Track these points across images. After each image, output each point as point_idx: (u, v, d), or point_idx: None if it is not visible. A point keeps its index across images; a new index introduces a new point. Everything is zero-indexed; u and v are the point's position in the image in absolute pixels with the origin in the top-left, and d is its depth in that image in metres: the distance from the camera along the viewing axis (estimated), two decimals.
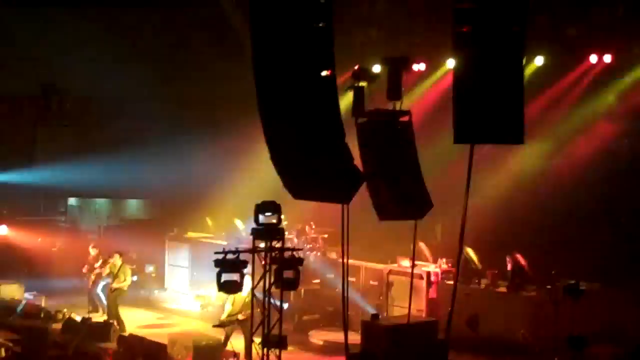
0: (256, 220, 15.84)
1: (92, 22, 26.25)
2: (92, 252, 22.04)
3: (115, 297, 20.51)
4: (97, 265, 21.82)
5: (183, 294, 23.00)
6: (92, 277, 21.87)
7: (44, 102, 27.01)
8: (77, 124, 27.16)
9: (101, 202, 29.53)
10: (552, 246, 21.82)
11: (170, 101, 26.86)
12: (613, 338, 18.43)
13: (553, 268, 19.41)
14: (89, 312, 21.31)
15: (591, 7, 23.15)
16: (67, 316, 20.68)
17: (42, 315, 21.31)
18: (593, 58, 22.95)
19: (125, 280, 20.79)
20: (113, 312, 20.38)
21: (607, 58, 22.68)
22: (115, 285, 20.60)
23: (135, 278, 21.40)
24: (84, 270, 22.04)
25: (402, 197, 16.78)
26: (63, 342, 19.34)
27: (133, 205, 29.71)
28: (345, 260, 17.12)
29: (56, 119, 27.41)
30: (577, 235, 22.56)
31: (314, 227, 22.19)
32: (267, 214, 16.23)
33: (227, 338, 18.02)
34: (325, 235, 22.06)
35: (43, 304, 22.02)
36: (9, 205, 25.76)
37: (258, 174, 20.10)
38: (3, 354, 17.76)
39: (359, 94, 16.87)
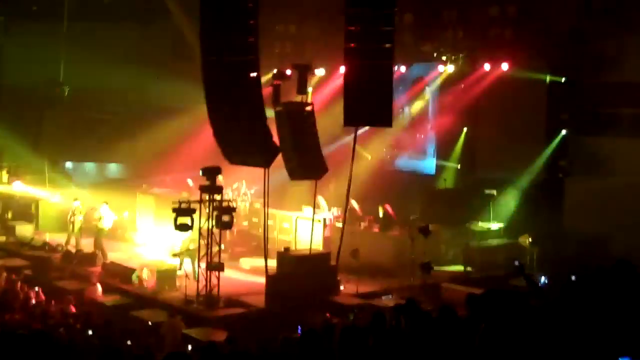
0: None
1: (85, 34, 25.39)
2: (75, 204, 21.18)
3: (99, 235, 19.99)
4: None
5: (148, 232, 22.58)
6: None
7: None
8: (73, 108, 26.29)
9: (90, 166, 28.82)
10: (410, 199, 21.98)
11: (141, 93, 26.24)
12: (449, 263, 18.70)
13: (410, 214, 19.60)
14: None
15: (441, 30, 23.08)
16: (65, 248, 20.17)
17: (46, 247, 20.77)
18: (440, 67, 22.96)
19: (104, 224, 20.21)
20: (97, 245, 19.85)
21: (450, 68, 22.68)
22: (99, 225, 20.06)
23: (115, 217, 20.84)
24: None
25: (306, 163, 16.80)
26: (62, 267, 18.97)
27: (114, 168, 29.06)
28: (266, 209, 17.08)
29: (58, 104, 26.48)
30: (425, 192, 22.80)
31: (244, 184, 21.98)
32: (210, 175, 16.10)
33: (181, 264, 17.80)
34: (252, 191, 21.87)
35: (47, 239, 21.40)
36: (23, 166, 24.94)
37: (204, 145, 19.73)
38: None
39: (276, 89, 16.77)
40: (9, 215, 23.81)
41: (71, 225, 20.79)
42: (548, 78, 20.57)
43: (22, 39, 25.51)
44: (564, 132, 20.60)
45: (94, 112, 26.78)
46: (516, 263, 15.56)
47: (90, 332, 12.52)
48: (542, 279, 16.21)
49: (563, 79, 20.47)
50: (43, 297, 15.31)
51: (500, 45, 21.36)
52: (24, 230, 22.33)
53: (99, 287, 16.71)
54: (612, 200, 18.79)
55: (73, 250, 19.77)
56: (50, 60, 25.23)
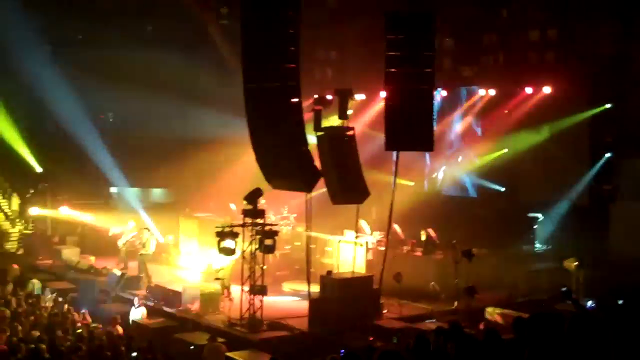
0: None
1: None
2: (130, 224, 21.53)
3: (143, 259, 20.23)
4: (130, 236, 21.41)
5: (192, 256, 22.81)
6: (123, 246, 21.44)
7: None
8: (118, 134, 26.84)
9: (134, 191, 29.29)
10: (453, 223, 21.89)
11: (184, 119, 26.68)
12: (494, 287, 18.53)
13: (454, 238, 19.49)
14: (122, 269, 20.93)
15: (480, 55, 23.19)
16: (110, 271, 20.46)
17: (91, 270, 21.10)
18: (482, 92, 23.01)
19: (149, 248, 20.47)
20: (142, 269, 20.10)
21: (492, 92, 22.71)
22: (143, 251, 20.31)
23: (161, 239, 21.12)
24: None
25: (348, 187, 16.84)
26: (107, 290, 19.22)
27: (157, 193, 29.47)
28: (308, 233, 17.17)
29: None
30: (469, 216, 22.71)
31: (287, 208, 22.12)
32: (252, 199, 16.24)
33: (225, 287, 17.94)
34: (295, 215, 21.99)
35: (93, 263, 21.75)
36: (70, 192, 25.44)
37: (247, 170, 19.93)
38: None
39: (318, 115, 16.90)
40: (56, 239, 24.28)
41: (124, 247, 21.14)
42: (591, 112, 20.46)
43: (68, 67, 26.13)
44: (608, 154, 20.40)
45: (138, 139, 27.25)
46: (563, 289, 15.44)
47: (134, 354, 12.67)
48: (589, 303, 15.98)
49: (608, 105, 20.30)
50: (89, 319, 15.54)
51: (542, 69, 21.35)
52: (70, 253, 22.72)
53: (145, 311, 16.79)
54: None
55: (118, 273, 20.04)
56: (95, 88, 25.81)
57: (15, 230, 24.86)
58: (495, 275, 18.82)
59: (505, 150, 22.55)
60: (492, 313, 16.39)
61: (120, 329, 14.85)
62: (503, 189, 22.61)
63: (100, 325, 14.99)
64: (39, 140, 26.76)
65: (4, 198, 25.36)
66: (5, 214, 25.06)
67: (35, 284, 18.71)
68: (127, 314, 16.70)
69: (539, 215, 20.42)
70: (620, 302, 10.73)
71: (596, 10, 20.17)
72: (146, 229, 20.63)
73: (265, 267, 16.30)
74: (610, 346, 6.89)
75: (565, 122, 20.88)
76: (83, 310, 15.96)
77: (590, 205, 20.74)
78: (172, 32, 26.39)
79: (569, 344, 6.77)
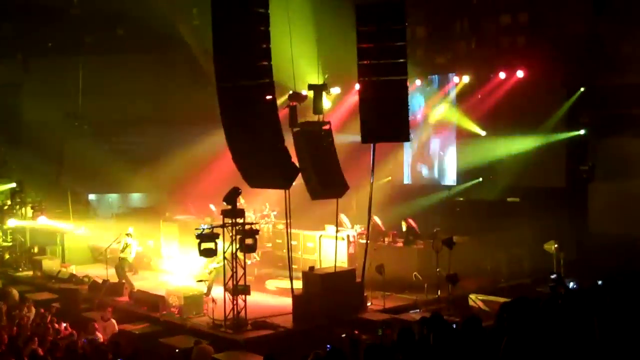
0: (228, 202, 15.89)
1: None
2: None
3: (122, 264, 20.10)
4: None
5: (174, 259, 22.78)
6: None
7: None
8: (93, 140, 26.69)
9: (113, 196, 29.15)
10: (433, 212, 22.02)
11: (160, 122, 26.60)
12: (476, 274, 18.64)
13: (434, 227, 19.58)
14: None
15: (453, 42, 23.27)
16: (91, 279, 20.36)
17: (73, 279, 20.99)
18: (456, 79, 23.16)
19: (130, 253, 20.34)
20: (121, 274, 19.95)
21: (466, 78, 22.86)
22: (122, 255, 20.19)
23: (140, 248, 21.06)
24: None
25: (327, 182, 16.85)
26: (89, 298, 19.14)
27: (136, 198, 29.36)
28: (289, 230, 17.17)
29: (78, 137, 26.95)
30: (448, 204, 22.84)
31: (267, 206, 22.10)
32: (232, 199, 16.20)
33: (209, 289, 17.92)
34: (275, 212, 21.98)
35: (74, 272, 21.64)
36: (46, 201, 25.24)
37: (224, 170, 19.88)
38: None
39: (293, 111, 16.88)
40: (35, 249, 24.13)
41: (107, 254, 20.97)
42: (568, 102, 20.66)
43: (41, 75, 25.94)
44: (582, 131, 20.60)
45: (114, 144, 27.11)
46: (553, 276, 15.63)
47: None
48: (571, 284, 16.13)
49: (582, 89, 20.45)
50: (70, 330, 15.44)
51: (514, 53, 21.46)
52: (51, 264, 22.57)
53: (114, 323, 16.57)
54: (636, 202, 18.70)
55: (100, 281, 19.94)
56: (69, 95, 25.64)
57: None
58: (477, 262, 18.93)
59: (484, 133, 22.73)
60: (475, 300, 16.49)
61: (100, 336, 14.80)
62: (480, 179, 22.75)
63: (81, 334, 14.91)
64: (14, 150, 26.54)
65: None
66: None
67: (14, 294, 18.65)
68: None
69: (517, 200, 20.55)
70: (600, 282, 10.83)
71: None
72: (128, 234, 20.51)
73: (250, 262, 16.16)
74: (593, 326, 6.97)
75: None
76: (63, 324, 15.83)
77: (568, 186, 20.88)
78: (143, 36, 26.21)
79: (549, 327, 6.84)
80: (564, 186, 20.96)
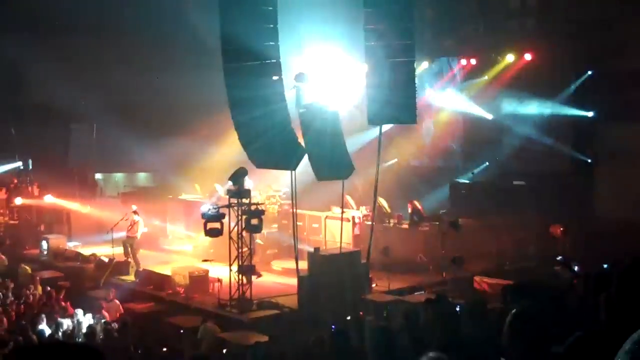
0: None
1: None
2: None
3: (130, 242, 20.18)
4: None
5: (180, 239, 22.84)
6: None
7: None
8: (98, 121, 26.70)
9: (119, 176, 29.17)
10: (439, 193, 22.02)
11: (164, 102, 26.58)
12: (481, 257, 18.64)
13: (440, 209, 19.57)
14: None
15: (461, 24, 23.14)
16: (97, 258, 20.42)
17: (79, 258, 21.07)
18: (463, 61, 23.07)
19: (137, 231, 20.42)
20: (127, 252, 20.03)
21: (473, 61, 22.76)
22: (129, 234, 20.27)
23: (146, 229, 21.17)
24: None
25: (333, 163, 16.81)
26: (95, 277, 19.22)
27: (142, 177, 29.39)
28: (294, 210, 17.18)
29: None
30: (454, 186, 22.80)
31: (272, 187, 22.09)
32: (237, 179, 16.21)
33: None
34: (281, 193, 21.97)
35: (80, 250, 21.72)
36: (54, 180, 25.26)
37: (231, 151, 19.85)
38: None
39: (299, 92, 16.83)
40: (42, 228, 24.22)
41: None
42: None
43: (43, 56, 25.83)
44: (590, 113, 20.50)
45: (120, 123, 27.07)
46: (559, 258, 15.64)
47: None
48: (576, 267, 16.12)
49: (589, 72, 20.32)
50: (71, 310, 15.49)
51: (522, 36, 21.34)
52: (57, 242, 22.66)
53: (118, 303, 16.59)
54: None
55: (105, 260, 20.01)
56: (73, 76, 25.57)
57: (1, 221, 24.77)
58: (483, 244, 18.94)
59: (491, 117, 22.67)
60: (480, 282, 16.52)
61: (107, 314, 14.87)
62: (487, 163, 22.73)
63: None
64: (20, 128, 26.55)
65: None
66: None
67: (25, 270, 18.77)
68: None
69: (522, 183, 20.51)
70: (606, 266, 10.81)
71: None
72: (134, 212, 20.55)
73: (259, 241, 16.00)
74: (599, 312, 6.97)
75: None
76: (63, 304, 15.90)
77: (574, 170, 20.83)
78: (145, 15, 26.04)
79: (554, 311, 6.84)
80: (570, 170, 20.88)
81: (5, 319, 13.48)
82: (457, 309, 8.28)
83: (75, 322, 14.29)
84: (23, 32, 25.85)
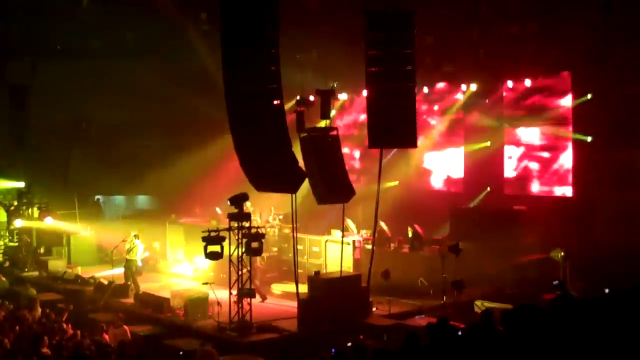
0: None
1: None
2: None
3: (129, 265, 20.13)
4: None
5: (179, 262, 22.80)
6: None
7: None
8: (100, 143, 26.78)
9: (119, 199, 29.20)
10: (439, 218, 21.99)
11: (165, 126, 26.71)
12: (482, 281, 18.58)
13: (440, 233, 19.55)
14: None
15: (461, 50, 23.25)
16: (97, 280, 20.38)
17: (78, 280, 21.01)
18: (464, 87, 23.15)
19: (136, 254, 20.36)
20: (128, 275, 19.99)
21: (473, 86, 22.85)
22: (128, 257, 20.21)
23: (147, 254, 21.14)
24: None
25: (333, 187, 16.85)
26: (95, 299, 19.16)
27: (142, 200, 29.42)
28: (294, 234, 17.19)
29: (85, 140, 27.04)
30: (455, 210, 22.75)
31: (273, 210, 22.11)
32: (238, 203, 16.24)
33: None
34: (281, 216, 21.98)
35: (80, 273, 21.67)
36: (53, 202, 25.28)
37: (231, 174, 19.90)
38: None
39: (300, 116, 16.92)
40: (42, 250, 24.18)
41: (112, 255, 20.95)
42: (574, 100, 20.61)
43: (49, 77, 25.95)
44: (589, 139, 20.52)
45: (121, 147, 27.15)
46: (555, 282, 15.61)
47: None
48: (573, 292, 16.10)
49: (589, 96, 20.39)
50: (71, 331, 15.40)
51: (522, 62, 21.46)
52: (57, 264, 22.62)
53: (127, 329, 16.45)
54: None
55: (105, 282, 19.96)
56: (77, 98, 25.69)
57: (1, 243, 24.74)
58: (483, 269, 18.88)
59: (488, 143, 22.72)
60: (481, 306, 16.46)
61: (107, 337, 14.80)
62: (489, 188, 22.73)
63: (86, 334, 14.91)
64: (22, 151, 26.62)
65: None
66: None
67: (32, 292, 18.80)
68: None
69: (523, 208, 20.52)
70: (607, 291, 10.82)
71: (575, 1, 20.30)
72: (135, 235, 20.54)
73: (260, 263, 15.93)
74: (599, 335, 6.95)
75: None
76: (64, 325, 15.80)
77: (575, 195, 20.83)
78: (151, 39, 26.21)
79: (552, 333, 6.83)
80: (571, 195, 20.90)
81: (6, 340, 13.40)
82: (459, 333, 8.26)
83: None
84: (27, 55, 26.08)
